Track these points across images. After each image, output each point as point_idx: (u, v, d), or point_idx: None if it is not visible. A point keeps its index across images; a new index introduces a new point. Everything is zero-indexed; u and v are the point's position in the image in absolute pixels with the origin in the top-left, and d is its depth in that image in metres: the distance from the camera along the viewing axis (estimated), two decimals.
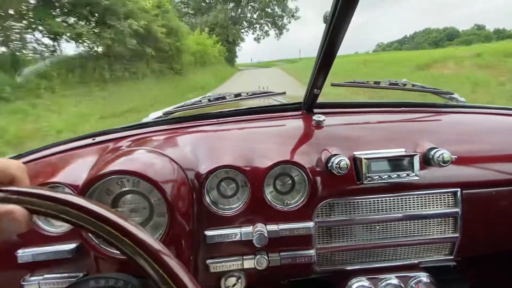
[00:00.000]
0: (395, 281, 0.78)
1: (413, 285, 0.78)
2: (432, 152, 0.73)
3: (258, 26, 48.22)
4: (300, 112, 0.96)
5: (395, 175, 0.73)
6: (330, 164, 0.71)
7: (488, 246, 0.82)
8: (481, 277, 0.96)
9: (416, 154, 0.73)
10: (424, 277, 0.79)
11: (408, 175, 0.73)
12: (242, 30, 44.49)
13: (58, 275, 0.67)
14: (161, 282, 0.30)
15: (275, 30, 49.12)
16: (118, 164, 0.60)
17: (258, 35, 50.89)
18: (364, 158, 0.72)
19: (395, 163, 0.74)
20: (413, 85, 0.97)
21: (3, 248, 0.68)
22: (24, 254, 0.66)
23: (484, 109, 0.98)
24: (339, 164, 0.70)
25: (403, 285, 0.78)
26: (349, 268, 0.80)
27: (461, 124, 0.89)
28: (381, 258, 0.81)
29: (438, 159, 0.71)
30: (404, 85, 0.97)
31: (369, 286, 0.78)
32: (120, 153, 0.66)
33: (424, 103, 0.99)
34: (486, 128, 0.87)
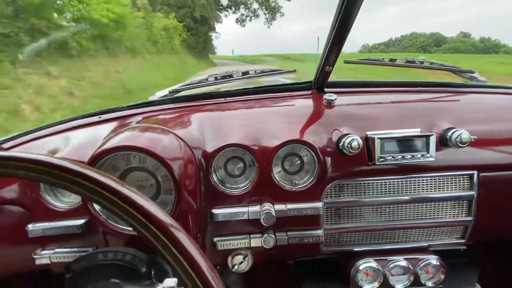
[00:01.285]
0: (403, 263, 0.77)
1: (422, 268, 0.77)
2: (449, 133, 0.69)
3: (243, 6, 34.04)
4: (310, 92, 0.92)
5: (409, 156, 0.70)
6: (342, 144, 0.68)
7: (502, 231, 0.80)
8: (492, 262, 0.94)
9: (432, 135, 0.70)
10: (433, 260, 0.78)
11: (423, 156, 0.70)
12: (221, 8, 30.84)
13: (68, 249, 0.68)
14: (169, 256, 0.29)
15: (265, 13, 34.78)
16: (124, 140, 0.59)
17: (242, 14, 35.09)
18: (377, 138, 0.70)
19: (410, 143, 0.71)
20: (431, 63, 0.91)
21: (14, 223, 0.70)
22: (34, 228, 0.67)
23: (506, 89, 0.92)
24: (350, 144, 0.67)
25: (411, 267, 0.77)
26: (356, 249, 0.79)
27: (481, 104, 0.84)
28: (390, 240, 0.80)
29: (456, 139, 0.68)
30: (422, 63, 0.91)
31: (377, 267, 0.77)
32: (126, 130, 0.64)
33: (442, 83, 0.94)
34: (508, 108, 0.82)
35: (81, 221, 0.67)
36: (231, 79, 0.94)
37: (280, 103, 0.89)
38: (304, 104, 0.86)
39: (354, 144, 0.67)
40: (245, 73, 0.94)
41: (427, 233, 0.79)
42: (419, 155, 0.70)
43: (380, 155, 0.70)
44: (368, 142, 0.72)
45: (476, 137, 0.68)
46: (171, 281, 0.43)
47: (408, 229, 0.78)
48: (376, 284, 0.78)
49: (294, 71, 0.97)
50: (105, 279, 0.49)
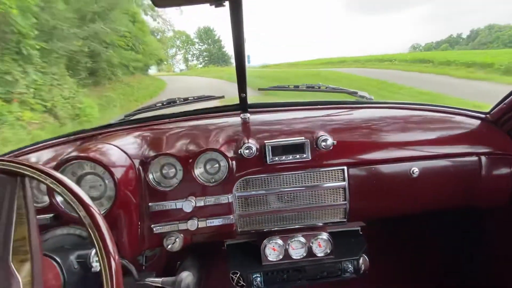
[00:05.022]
0: (301, 238, 1.02)
1: (314, 241, 1.02)
2: (319, 139, 0.96)
3: None
4: (239, 112, 1.20)
5: (291, 157, 0.97)
6: (241, 150, 0.95)
7: (372, 212, 1.06)
8: (378, 239, 1.20)
9: (306, 141, 0.97)
10: (324, 236, 1.03)
11: (301, 156, 0.97)
12: None
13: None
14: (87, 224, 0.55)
15: None
16: (78, 153, 0.84)
17: None
18: (268, 145, 0.96)
19: (293, 148, 0.98)
20: (326, 87, 1.21)
21: None
22: None
23: (384, 104, 1.22)
24: (246, 150, 0.94)
25: (306, 242, 1.02)
26: (266, 229, 1.04)
27: (355, 117, 1.12)
28: (293, 221, 1.04)
29: (322, 144, 0.95)
30: (319, 87, 1.21)
31: (281, 243, 1.02)
32: (82, 146, 0.90)
33: (337, 101, 1.23)
34: (372, 119, 1.10)
35: (49, 215, 0.91)
36: (174, 104, 1.21)
37: (212, 121, 1.16)
38: (227, 122, 1.13)
39: (249, 151, 0.94)
40: (186, 99, 1.22)
41: (319, 214, 1.04)
42: (298, 156, 0.97)
43: (271, 157, 0.97)
44: (264, 148, 0.98)
45: (336, 142, 0.95)
46: None
47: (304, 211, 1.03)
48: (280, 256, 1.02)
49: (223, 96, 1.25)
50: (60, 246, 0.72)
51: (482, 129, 1.10)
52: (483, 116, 1.13)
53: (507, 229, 1.18)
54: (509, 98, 1.04)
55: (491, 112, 1.11)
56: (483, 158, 1.04)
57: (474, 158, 1.04)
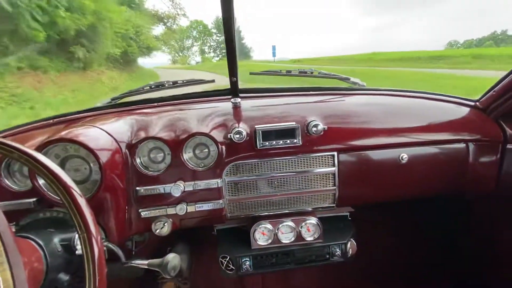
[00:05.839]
0: (290, 223, 1.03)
1: (303, 225, 1.03)
2: (310, 124, 0.95)
3: None
4: (230, 96, 1.17)
5: (281, 142, 0.96)
6: (231, 135, 0.93)
7: (360, 197, 1.07)
8: (365, 224, 1.22)
9: (297, 126, 0.96)
10: (313, 220, 1.04)
11: (291, 142, 0.96)
12: None
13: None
14: (68, 206, 0.52)
15: None
16: (62, 135, 0.81)
17: None
18: (258, 130, 0.95)
19: (284, 133, 0.96)
20: (319, 73, 1.19)
21: None
22: None
23: (376, 91, 1.21)
24: (236, 134, 0.92)
25: (295, 226, 1.03)
26: (256, 214, 1.04)
27: (345, 103, 1.12)
28: (282, 207, 1.04)
29: (313, 129, 0.94)
30: (312, 72, 1.19)
31: (271, 227, 1.02)
32: (66, 129, 0.86)
33: (329, 87, 1.22)
34: (362, 105, 1.10)
35: (33, 199, 0.88)
36: (163, 87, 1.18)
37: (202, 106, 1.14)
38: (218, 107, 1.11)
39: (239, 135, 0.92)
40: (175, 82, 1.18)
41: (308, 199, 1.04)
42: (288, 141, 0.96)
43: (261, 142, 0.96)
44: (255, 133, 0.97)
45: (327, 127, 0.95)
46: None
47: (294, 196, 1.03)
48: (270, 240, 1.03)
49: (213, 80, 1.22)
50: (43, 229, 0.70)
51: (471, 117, 1.11)
52: (472, 103, 1.14)
53: (493, 215, 1.21)
54: (498, 86, 1.05)
55: (480, 100, 1.12)
56: (471, 145, 1.05)
57: (462, 145, 1.05)
